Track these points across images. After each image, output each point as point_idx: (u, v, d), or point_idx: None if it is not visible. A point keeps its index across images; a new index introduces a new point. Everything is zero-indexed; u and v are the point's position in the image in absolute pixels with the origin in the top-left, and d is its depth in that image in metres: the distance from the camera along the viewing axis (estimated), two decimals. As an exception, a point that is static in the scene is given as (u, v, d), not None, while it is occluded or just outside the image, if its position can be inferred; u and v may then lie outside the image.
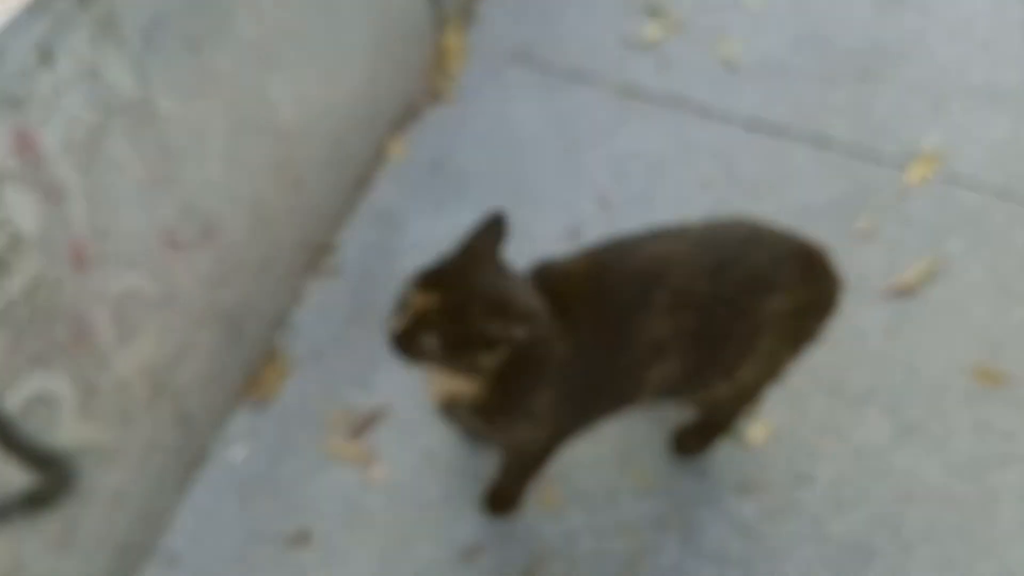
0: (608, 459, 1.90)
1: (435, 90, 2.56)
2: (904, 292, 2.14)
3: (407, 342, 1.29)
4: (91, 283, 1.43)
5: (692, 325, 1.42)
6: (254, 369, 2.01)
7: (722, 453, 1.91)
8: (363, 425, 1.96)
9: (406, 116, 2.48)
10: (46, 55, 1.23)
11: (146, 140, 1.48)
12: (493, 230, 1.35)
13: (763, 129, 2.47)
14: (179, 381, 1.75)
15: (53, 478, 1.45)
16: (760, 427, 1.93)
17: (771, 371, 1.60)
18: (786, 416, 1.95)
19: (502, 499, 1.79)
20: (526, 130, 2.49)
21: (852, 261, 2.16)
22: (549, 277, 1.43)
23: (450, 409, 1.52)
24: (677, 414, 1.88)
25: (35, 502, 1.44)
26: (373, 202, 2.32)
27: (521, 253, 1.49)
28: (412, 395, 1.99)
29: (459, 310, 1.27)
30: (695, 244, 1.46)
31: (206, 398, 1.86)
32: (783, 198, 2.31)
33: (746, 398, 1.70)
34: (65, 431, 1.45)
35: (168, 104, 1.51)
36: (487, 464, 1.89)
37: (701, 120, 2.49)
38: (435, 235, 2.20)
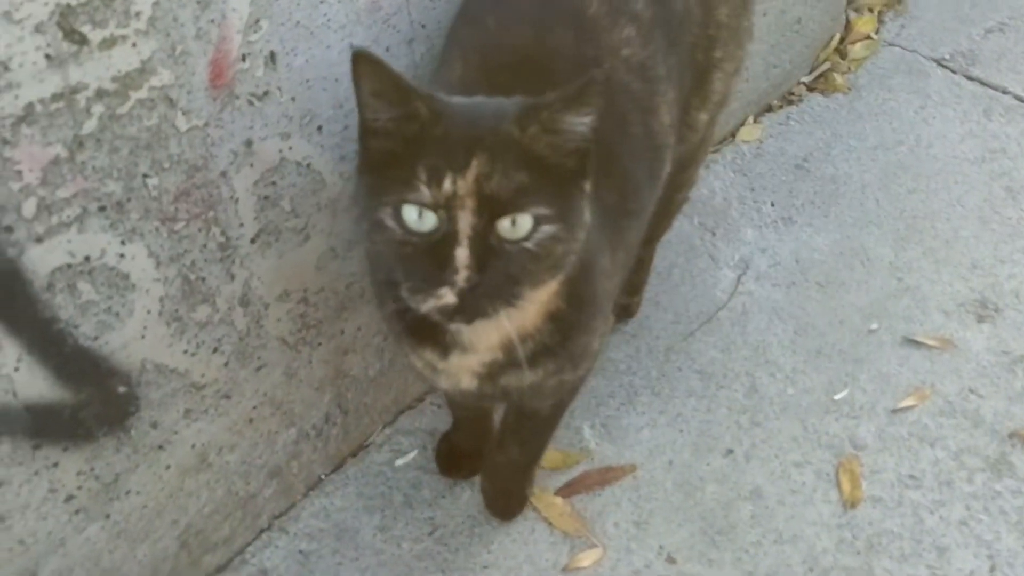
0: None
1: (825, 76, 1.87)
2: None
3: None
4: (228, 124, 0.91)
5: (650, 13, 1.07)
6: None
7: None
8: (586, 483, 1.30)
9: (775, 98, 1.81)
10: None
11: None
12: None
13: None
14: (348, 331, 1.20)
15: (89, 397, 0.94)
16: None
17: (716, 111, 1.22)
18: None
19: (516, 496, 1.27)
20: (940, 150, 1.72)
21: None
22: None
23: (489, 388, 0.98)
24: None
25: (61, 422, 0.93)
26: (700, 190, 1.65)
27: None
28: (669, 465, 1.30)
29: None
30: None
31: (381, 375, 1.29)
32: None
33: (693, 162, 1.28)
34: (127, 335, 0.93)
35: None
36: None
37: None
38: (771, 251, 1.54)
